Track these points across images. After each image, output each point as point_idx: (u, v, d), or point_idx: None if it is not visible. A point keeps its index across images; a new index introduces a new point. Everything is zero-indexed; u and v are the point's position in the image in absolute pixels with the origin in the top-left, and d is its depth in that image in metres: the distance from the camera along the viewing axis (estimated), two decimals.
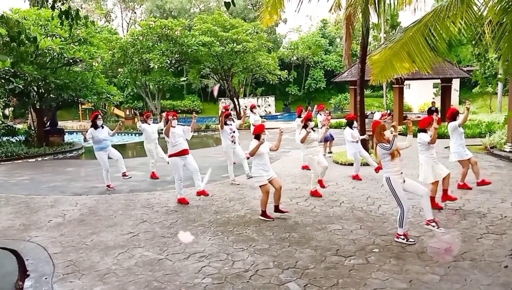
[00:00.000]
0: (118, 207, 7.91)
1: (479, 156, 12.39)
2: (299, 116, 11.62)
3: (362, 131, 12.42)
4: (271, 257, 5.31)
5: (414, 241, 5.62)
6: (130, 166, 12.07)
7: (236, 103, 27.34)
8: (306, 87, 39.68)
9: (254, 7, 40.62)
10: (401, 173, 5.69)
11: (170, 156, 8.04)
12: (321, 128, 11.75)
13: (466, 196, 7.89)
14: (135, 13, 48.27)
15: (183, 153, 7.99)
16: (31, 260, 5.51)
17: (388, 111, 21.87)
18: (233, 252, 5.53)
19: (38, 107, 16.01)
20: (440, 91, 23.41)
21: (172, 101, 35.60)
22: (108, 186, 9.48)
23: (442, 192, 7.32)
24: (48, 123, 17.27)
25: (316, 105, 11.91)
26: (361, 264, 5.05)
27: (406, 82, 23.17)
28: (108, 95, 16.55)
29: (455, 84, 28.01)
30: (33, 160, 14.53)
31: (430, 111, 20.24)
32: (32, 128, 17.04)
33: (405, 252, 5.34)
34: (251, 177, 8.15)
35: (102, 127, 9.49)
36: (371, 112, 23.16)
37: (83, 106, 28.65)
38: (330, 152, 13.42)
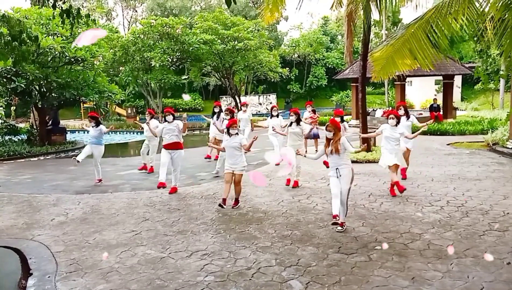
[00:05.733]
0: (121, 205, 7.92)
1: (481, 153, 12.39)
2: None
3: (364, 129, 12.38)
4: (273, 255, 5.32)
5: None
6: (131, 165, 12.10)
7: (238, 101, 27.32)
8: (307, 85, 39.65)
9: (255, 5, 40.55)
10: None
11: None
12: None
13: (468, 193, 7.88)
14: (136, 11, 48.35)
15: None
16: (34, 258, 5.52)
17: (390, 109, 21.86)
18: (235, 250, 5.53)
19: (40, 106, 16.03)
20: (442, 88, 23.35)
21: (173, 99, 35.62)
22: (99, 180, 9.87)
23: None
24: (50, 122, 17.31)
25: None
26: (363, 261, 5.05)
27: (408, 79, 23.12)
28: (110, 94, 16.61)
29: (457, 80, 27.95)
30: (36, 159, 14.56)
31: (432, 108, 20.28)
32: (34, 127, 17.07)
33: (407, 249, 5.34)
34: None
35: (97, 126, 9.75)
36: (373, 109, 23.11)
37: (84, 105, 28.64)
38: (316, 151, 13.08)
